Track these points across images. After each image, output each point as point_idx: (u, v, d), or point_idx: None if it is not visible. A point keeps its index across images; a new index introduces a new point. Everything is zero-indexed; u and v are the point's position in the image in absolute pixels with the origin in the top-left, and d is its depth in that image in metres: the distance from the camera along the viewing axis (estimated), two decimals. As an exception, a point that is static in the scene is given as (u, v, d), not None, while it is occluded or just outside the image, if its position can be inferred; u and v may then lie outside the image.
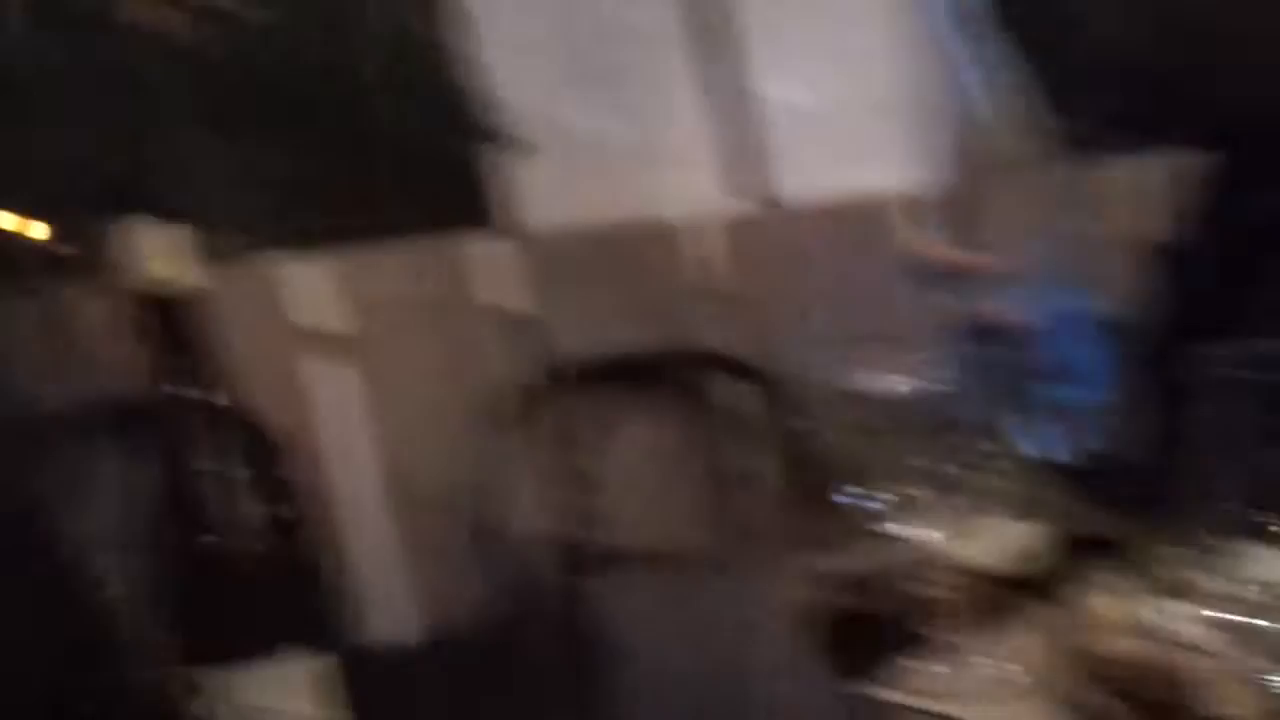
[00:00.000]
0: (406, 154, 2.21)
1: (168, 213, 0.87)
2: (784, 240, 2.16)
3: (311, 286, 2.05)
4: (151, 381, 0.94)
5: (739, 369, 2.15)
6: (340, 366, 2.10)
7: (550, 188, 2.22)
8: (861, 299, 2.07)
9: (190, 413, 0.98)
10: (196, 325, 0.94)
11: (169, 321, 0.90)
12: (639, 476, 2.16)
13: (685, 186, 2.23)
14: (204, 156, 2.17)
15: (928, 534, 1.20)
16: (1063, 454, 1.69)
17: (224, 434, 1.01)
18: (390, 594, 2.09)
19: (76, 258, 2.03)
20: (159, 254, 0.90)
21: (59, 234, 2.11)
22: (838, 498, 1.16)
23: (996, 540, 1.29)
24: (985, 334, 1.79)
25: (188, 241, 0.93)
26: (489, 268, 2.11)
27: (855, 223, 2.15)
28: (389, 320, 2.09)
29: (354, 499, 2.10)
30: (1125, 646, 1.08)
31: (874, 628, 1.31)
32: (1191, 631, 0.96)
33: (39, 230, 2.12)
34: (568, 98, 2.23)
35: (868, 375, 1.09)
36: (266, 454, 1.06)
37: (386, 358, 2.10)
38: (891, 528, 1.15)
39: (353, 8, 2.20)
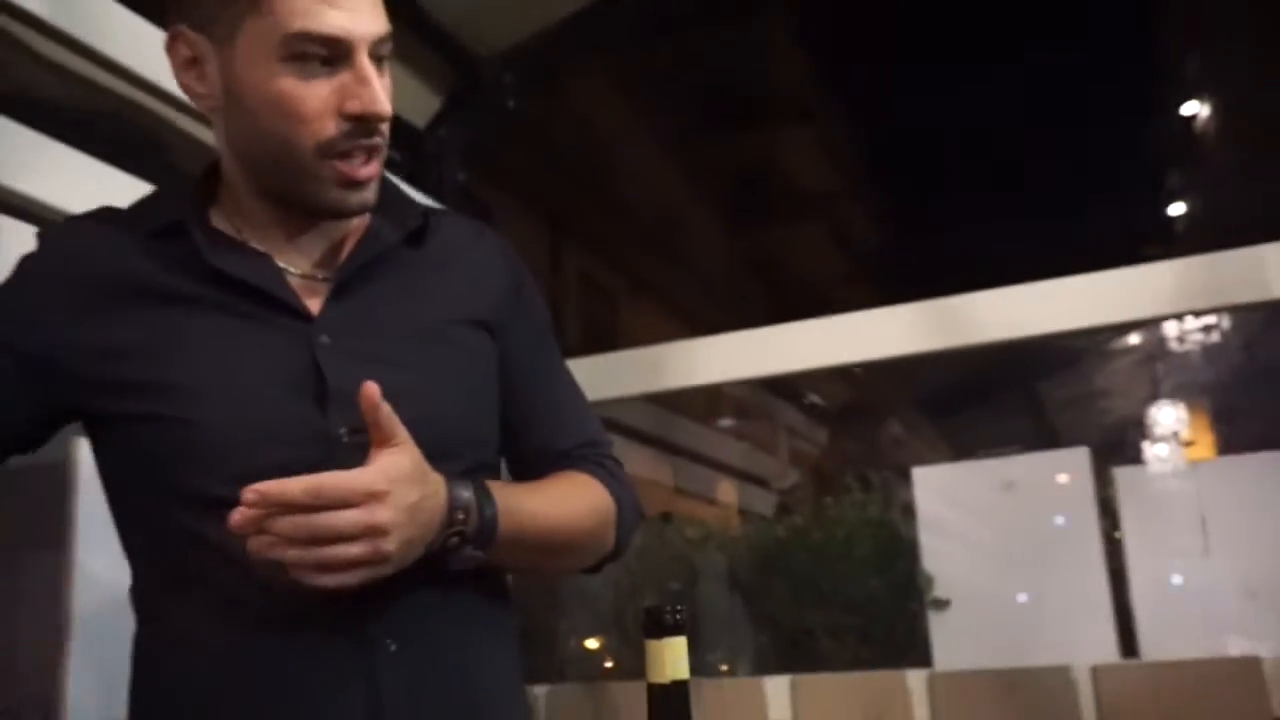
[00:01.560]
0: (865, 611, 2.19)
1: (677, 630, 0.92)
2: (1151, 686, 1.85)
3: (773, 695, 2.03)
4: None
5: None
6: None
7: (959, 636, 2.10)
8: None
9: None
10: (688, 709, 0.93)
11: (672, 707, 0.93)
12: None
13: (1075, 640, 2.02)
14: (720, 604, 2.29)
15: None
16: None
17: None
18: None
19: (620, 660, 2.19)
20: (669, 660, 0.96)
21: (612, 645, 2.29)
22: None
23: None
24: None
25: (685, 652, 0.97)
26: (907, 693, 1.98)
27: (1211, 679, 1.81)
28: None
29: None
30: None
31: None
32: None
33: (596, 642, 2.32)
34: (986, 573, 2.14)
35: None
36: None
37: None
38: None
39: (844, 516, 2.29)
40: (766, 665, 2.22)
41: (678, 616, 0.95)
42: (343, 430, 1.02)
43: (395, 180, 1.18)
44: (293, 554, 0.91)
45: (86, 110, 2.20)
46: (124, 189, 1.94)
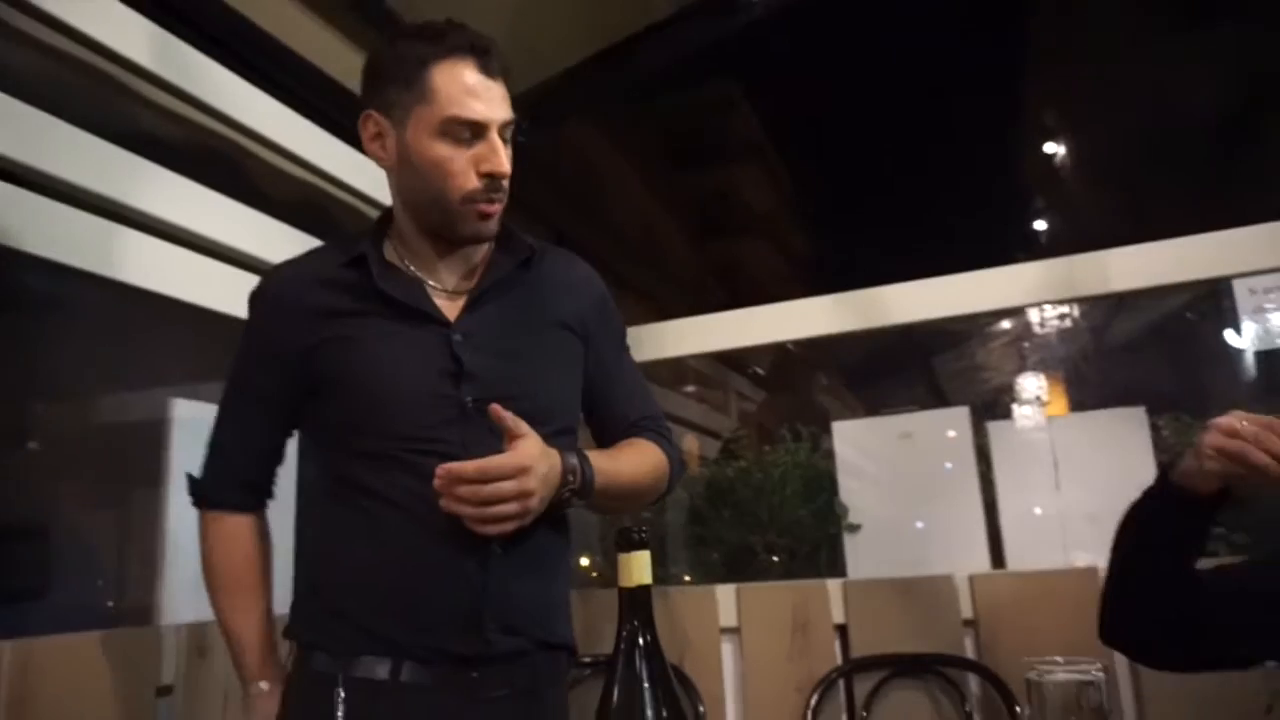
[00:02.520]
0: (795, 533, 2.17)
1: (642, 545, 0.93)
2: (1014, 591, 1.83)
3: (722, 600, 2.01)
4: (625, 636, 0.90)
5: (983, 670, 1.78)
6: (732, 645, 2.00)
7: (868, 553, 2.08)
8: (1061, 628, 1.70)
9: (643, 657, 0.90)
10: (650, 608, 0.91)
11: (637, 605, 0.94)
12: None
13: (957, 555, 1.99)
14: (681, 529, 2.26)
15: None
16: None
17: (657, 670, 0.90)
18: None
19: (603, 573, 2.17)
20: (635, 569, 0.95)
21: (597, 562, 2.26)
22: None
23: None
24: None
25: (648, 563, 0.96)
26: (826, 597, 1.96)
27: (1060, 585, 1.80)
28: (764, 622, 1.98)
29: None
30: None
31: None
32: None
33: (586, 559, 2.29)
34: (889, 504, 2.11)
35: (1065, 677, 0.94)
36: (675, 682, 0.92)
37: (760, 643, 1.97)
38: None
39: (780, 460, 2.26)
40: (718, 576, 2.20)
41: (642, 535, 0.93)
42: (469, 400, 1.15)
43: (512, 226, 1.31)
44: (469, 512, 1.05)
45: (186, 143, 2.15)
46: (214, 202, 1.90)
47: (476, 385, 1.17)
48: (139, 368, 1.92)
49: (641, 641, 0.93)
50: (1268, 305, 1.86)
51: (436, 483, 1.04)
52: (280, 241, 1.98)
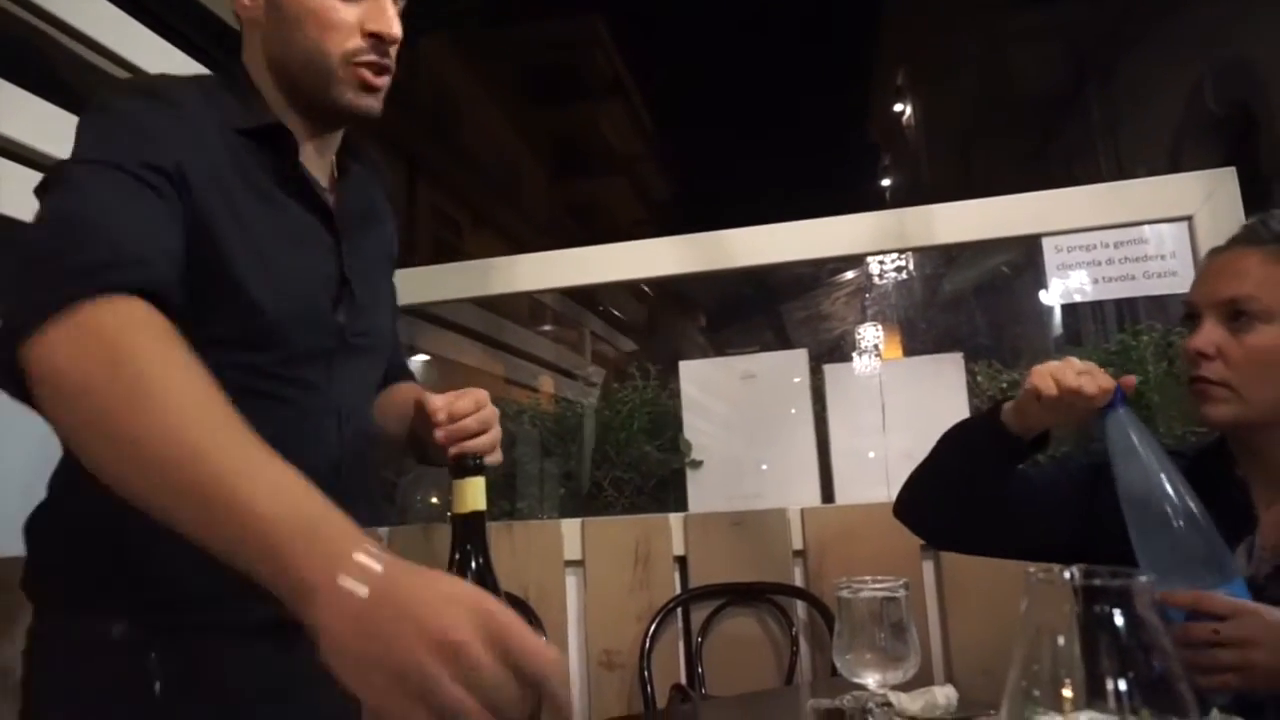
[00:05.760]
0: (639, 469, 2.22)
1: (478, 471, 0.89)
2: (840, 523, 1.94)
3: (567, 533, 2.05)
4: (457, 561, 0.87)
5: (809, 597, 1.90)
6: (576, 578, 2.05)
7: (709, 488, 2.16)
8: (880, 556, 1.84)
9: (474, 582, 0.83)
10: (484, 534, 0.89)
11: (471, 531, 0.91)
12: (740, 654, 1.91)
13: (791, 490, 2.10)
14: (532, 465, 2.27)
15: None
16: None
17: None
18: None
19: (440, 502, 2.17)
20: (469, 495, 0.91)
21: (446, 499, 2.25)
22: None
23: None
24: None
25: (483, 489, 0.92)
26: (668, 530, 2.02)
27: (881, 517, 1.92)
28: (607, 554, 2.03)
29: (571, 651, 1.99)
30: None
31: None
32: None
33: (436, 498, 2.29)
34: (730, 442, 2.19)
35: (870, 594, 0.96)
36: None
37: (603, 575, 2.02)
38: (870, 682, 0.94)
39: (628, 398, 2.30)
40: (566, 511, 2.23)
41: (477, 461, 0.93)
42: (351, 330, 1.04)
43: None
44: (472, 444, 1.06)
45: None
46: (14, 98, 1.71)
47: (350, 310, 1.04)
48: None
49: (474, 565, 0.94)
50: (1070, 263, 2.04)
51: (440, 435, 1.04)
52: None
